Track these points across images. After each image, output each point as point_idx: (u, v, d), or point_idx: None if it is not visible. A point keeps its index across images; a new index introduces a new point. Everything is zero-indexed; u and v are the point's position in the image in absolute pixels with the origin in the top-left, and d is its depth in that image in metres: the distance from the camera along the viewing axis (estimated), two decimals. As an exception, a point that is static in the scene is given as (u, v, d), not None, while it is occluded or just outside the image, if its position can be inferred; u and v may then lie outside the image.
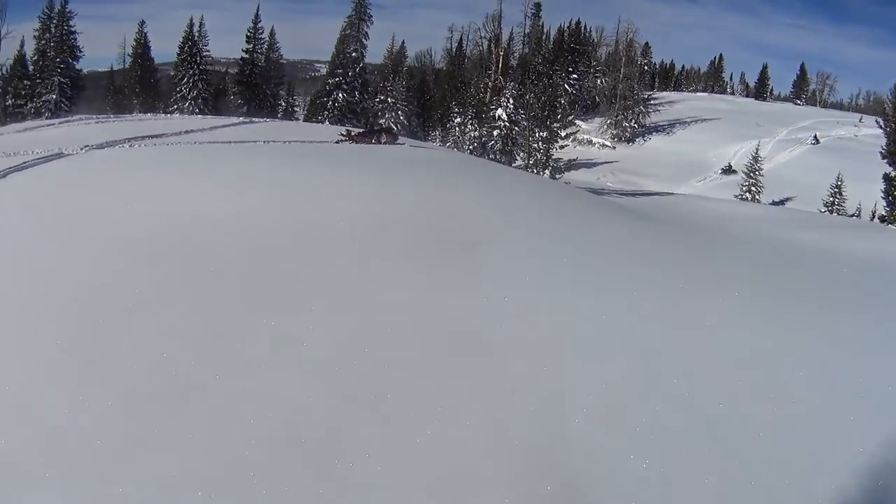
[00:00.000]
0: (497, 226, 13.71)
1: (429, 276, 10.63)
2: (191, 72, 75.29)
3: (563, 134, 53.98)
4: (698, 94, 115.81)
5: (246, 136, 24.57)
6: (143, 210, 12.13)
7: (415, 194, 14.94)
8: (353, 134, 29.03)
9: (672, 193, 43.38)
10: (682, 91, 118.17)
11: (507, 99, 68.71)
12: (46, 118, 55.11)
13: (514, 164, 59.46)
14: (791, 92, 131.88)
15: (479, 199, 15.95)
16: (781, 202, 61.17)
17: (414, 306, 9.57)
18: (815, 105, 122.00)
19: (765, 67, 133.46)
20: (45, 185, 14.09)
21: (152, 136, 23.39)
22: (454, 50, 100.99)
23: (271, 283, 9.78)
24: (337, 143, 27.18)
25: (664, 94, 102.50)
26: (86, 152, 18.32)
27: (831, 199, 59.32)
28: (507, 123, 67.27)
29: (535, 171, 49.07)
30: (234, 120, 34.98)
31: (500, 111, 67.73)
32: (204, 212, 12.23)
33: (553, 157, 53.08)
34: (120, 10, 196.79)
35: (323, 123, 50.68)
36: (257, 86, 78.14)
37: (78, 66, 75.27)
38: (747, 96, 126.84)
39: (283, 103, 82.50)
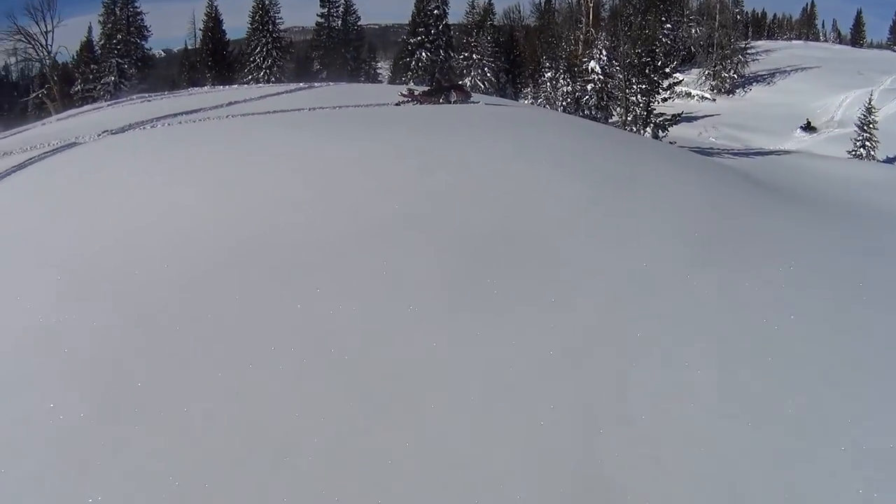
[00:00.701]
0: (587, 225, 12.14)
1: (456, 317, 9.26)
2: (263, 40, 74.16)
3: (664, 84, 49.49)
4: (793, 42, 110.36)
5: (294, 104, 23.62)
6: (90, 222, 11.53)
7: (459, 174, 13.64)
8: (416, 93, 27.40)
9: (785, 151, 43.13)
10: (777, 40, 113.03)
11: (600, 51, 65.89)
12: (106, 101, 53.79)
13: (609, 121, 56.73)
14: (889, 38, 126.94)
15: (558, 183, 14.01)
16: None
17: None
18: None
19: (859, 13, 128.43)
20: (29, 187, 14.05)
21: (189, 112, 22.99)
22: (543, 4, 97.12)
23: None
24: (398, 104, 25.43)
25: (759, 42, 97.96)
26: (101, 138, 18.35)
27: None
28: (601, 76, 64.46)
29: (634, 128, 46.38)
30: (292, 86, 33.63)
31: (592, 63, 65.26)
32: (159, 221, 11.36)
33: (654, 111, 48.54)
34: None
35: (407, 84, 47.74)
36: (335, 50, 76.54)
37: (147, 46, 76.37)
38: (841, 44, 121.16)
39: (366, 66, 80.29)
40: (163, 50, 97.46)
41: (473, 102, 28.51)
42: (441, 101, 27.72)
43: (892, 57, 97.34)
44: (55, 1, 69.39)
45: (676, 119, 50.21)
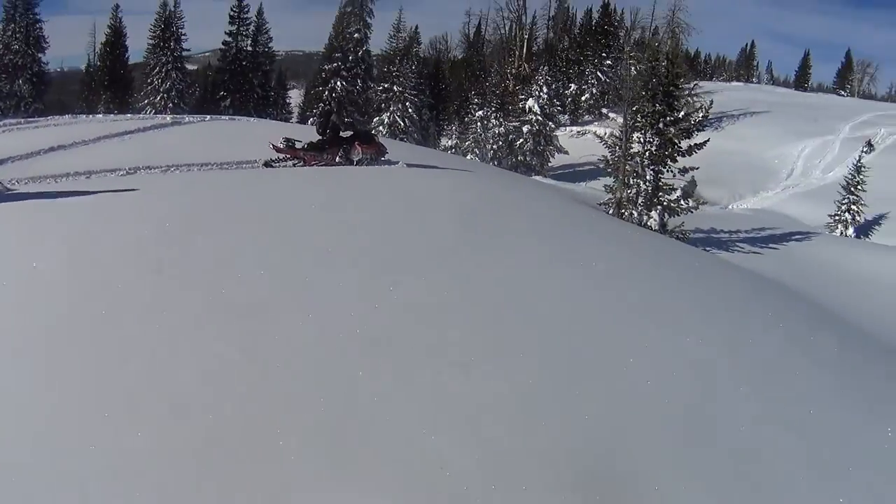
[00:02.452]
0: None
1: None
2: (163, 59, 67.67)
3: (683, 146, 32.88)
4: (732, 83, 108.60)
5: (133, 155, 18.92)
6: None
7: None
8: (297, 147, 20.40)
9: (806, 235, 38.48)
10: (715, 81, 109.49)
11: (540, 87, 59.33)
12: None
13: (546, 166, 51.47)
14: (835, 82, 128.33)
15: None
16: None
17: None
18: (853, 96, 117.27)
19: (807, 55, 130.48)
20: None
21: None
22: (472, 35, 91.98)
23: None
24: (269, 164, 19.75)
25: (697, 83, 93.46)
26: None
27: None
28: (539, 117, 57.73)
29: (633, 211, 33.11)
30: (148, 122, 28.14)
31: (531, 102, 59.88)
32: None
33: (663, 185, 33.18)
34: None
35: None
36: (242, 75, 70.02)
37: (45, 60, 69.75)
38: (777, 86, 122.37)
39: (275, 96, 73.74)
40: (63, 67, 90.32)
41: (389, 162, 21.53)
42: (338, 159, 20.90)
43: (843, 102, 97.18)
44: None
45: (690, 197, 36.79)
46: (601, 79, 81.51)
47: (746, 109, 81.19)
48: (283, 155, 19.77)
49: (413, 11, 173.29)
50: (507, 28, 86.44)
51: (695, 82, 78.52)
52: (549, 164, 63.10)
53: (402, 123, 64.38)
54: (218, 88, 69.74)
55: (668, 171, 32.64)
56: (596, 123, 78.81)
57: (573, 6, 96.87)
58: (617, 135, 34.57)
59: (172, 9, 69.04)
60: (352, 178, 18.68)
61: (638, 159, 32.96)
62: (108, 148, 20.67)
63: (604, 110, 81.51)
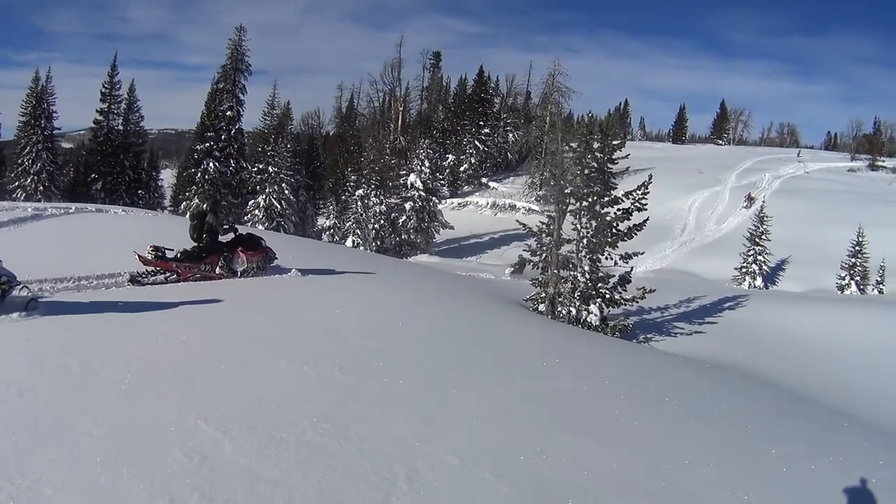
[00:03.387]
0: None
1: None
2: (34, 138, 65.14)
3: (621, 227, 28.84)
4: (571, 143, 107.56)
5: None
6: None
7: None
8: (168, 258, 17.25)
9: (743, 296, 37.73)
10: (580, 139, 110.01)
11: (421, 161, 57.94)
12: None
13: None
14: (710, 132, 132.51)
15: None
16: (778, 267, 56.25)
17: None
18: (731, 144, 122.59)
19: (682, 109, 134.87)
20: None
21: None
22: (345, 109, 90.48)
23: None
24: (134, 281, 16.30)
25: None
26: None
27: (851, 259, 53.66)
28: (422, 192, 56.83)
29: (567, 308, 28.58)
30: (14, 213, 26.25)
31: (412, 177, 58.16)
32: None
33: (607, 274, 28.79)
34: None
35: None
36: (114, 156, 67.74)
37: None
38: (652, 141, 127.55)
39: (146, 177, 69.51)
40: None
41: (279, 270, 19.51)
42: (218, 270, 18.36)
43: (723, 151, 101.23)
44: None
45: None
46: (479, 147, 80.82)
47: (629, 167, 79.95)
48: (153, 267, 16.63)
49: (284, 87, 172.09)
50: (381, 100, 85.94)
51: (575, 145, 78.45)
52: (434, 241, 62.25)
53: (278, 206, 63.11)
54: (90, 170, 66.96)
55: (606, 258, 28.70)
56: (477, 193, 78.99)
57: (446, 75, 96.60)
58: (544, 221, 29.68)
59: (44, 83, 66.72)
60: (237, 298, 15.66)
61: (574, 247, 28.90)
62: None
63: (483, 179, 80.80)
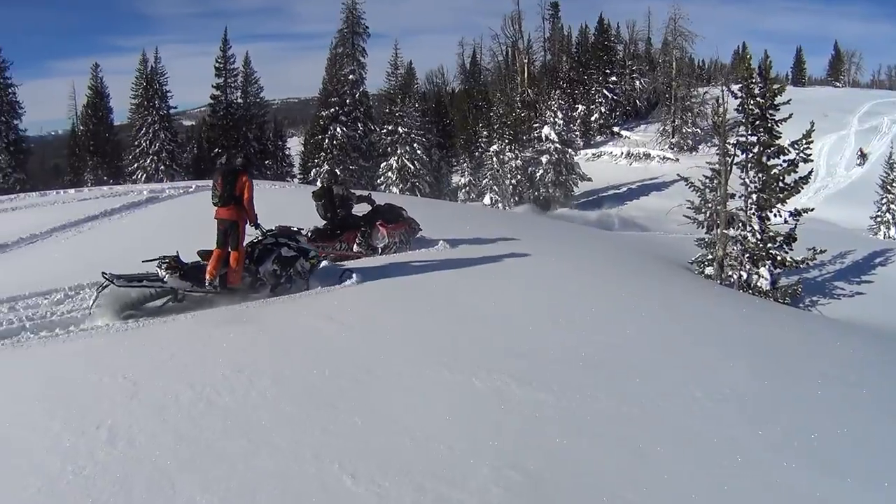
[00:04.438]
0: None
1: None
2: (149, 119, 64.64)
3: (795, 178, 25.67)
4: (734, 87, 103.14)
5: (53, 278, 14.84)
6: None
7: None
8: (305, 233, 15.56)
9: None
10: (715, 86, 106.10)
11: (554, 113, 56.60)
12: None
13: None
14: (828, 73, 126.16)
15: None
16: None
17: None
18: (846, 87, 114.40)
19: (799, 51, 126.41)
20: None
21: None
22: (468, 65, 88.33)
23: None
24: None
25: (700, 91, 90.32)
26: None
27: None
28: (557, 145, 54.40)
29: (738, 273, 25.34)
30: (129, 197, 26.45)
31: (546, 129, 54.90)
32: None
33: (770, 232, 25.34)
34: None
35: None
36: (235, 129, 66.78)
37: (22, 127, 65.02)
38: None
39: (272, 147, 70.32)
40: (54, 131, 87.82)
41: (426, 242, 17.78)
42: (356, 248, 17.04)
43: (841, 94, 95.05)
44: None
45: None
46: (608, 96, 77.94)
47: (791, 115, 76.72)
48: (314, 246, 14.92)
49: (404, 48, 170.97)
50: (504, 54, 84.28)
51: (705, 90, 75.05)
52: (573, 194, 59.89)
53: (412, 167, 61.41)
54: (212, 145, 66.23)
55: (775, 214, 25.04)
56: (610, 143, 76.96)
57: (566, 25, 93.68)
58: (707, 175, 26.38)
59: (153, 64, 66.50)
60: (379, 282, 14.19)
61: (742, 203, 25.23)
62: (39, 254, 17.89)
63: (615, 128, 78.43)
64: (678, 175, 28.44)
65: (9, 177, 59.81)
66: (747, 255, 25.13)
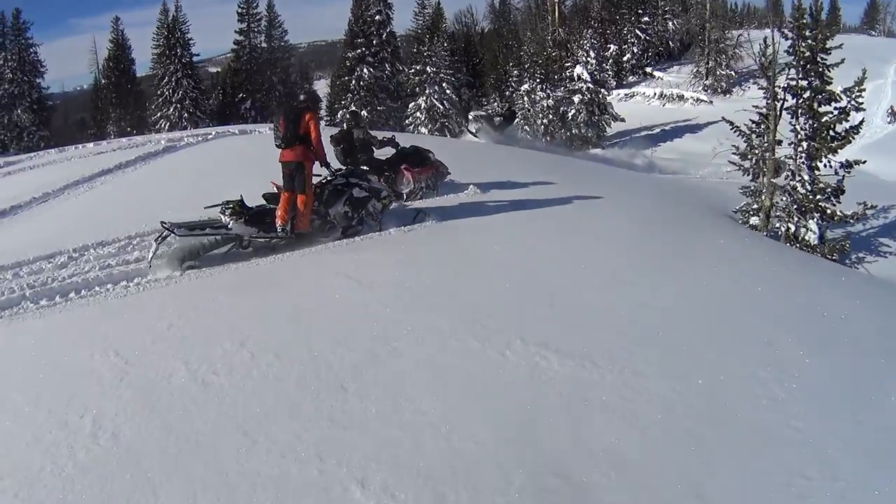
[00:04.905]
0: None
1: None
2: (171, 67, 64.36)
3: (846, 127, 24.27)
4: (766, 31, 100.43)
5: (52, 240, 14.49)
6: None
7: None
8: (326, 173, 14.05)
9: None
10: (747, 28, 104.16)
11: (586, 52, 56.58)
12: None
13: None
14: (863, 20, 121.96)
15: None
16: None
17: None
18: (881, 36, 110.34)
19: None
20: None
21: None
22: (498, 4, 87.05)
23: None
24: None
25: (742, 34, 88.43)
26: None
27: None
28: (590, 84, 55.38)
29: (788, 224, 23.82)
30: (145, 148, 25.75)
31: (579, 69, 56.07)
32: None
33: (828, 185, 23.81)
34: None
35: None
36: (259, 73, 67.22)
37: (44, 85, 67.16)
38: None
39: (298, 91, 66.20)
40: (74, 88, 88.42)
41: (455, 187, 17.09)
42: (417, 188, 16.54)
43: (877, 42, 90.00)
44: None
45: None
46: (640, 37, 76.52)
47: (843, 59, 74.59)
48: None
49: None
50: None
51: (738, 33, 73.64)
52: (605, 134, 58.52)
53: (441, 106, 59.84)
54: (237, 91, 66.40)
55: (825, 165, 23.61)
56: (643, 84, 75.23)
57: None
58: (755, 119, 24.79)
59: (175, 14, 66.17)
60: (404, 234, 13.67)
61: (792, 151, 23.66)
62: (49, 214, 17.24)
63: (647, 69, 76.80)
64: (723, 118, 26.84)
65: (33, 135, 61.14)
66: (795, 206, 23.48)
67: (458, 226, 14.17)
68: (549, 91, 55.60)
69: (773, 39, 24.77)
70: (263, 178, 14.22)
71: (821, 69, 23.58)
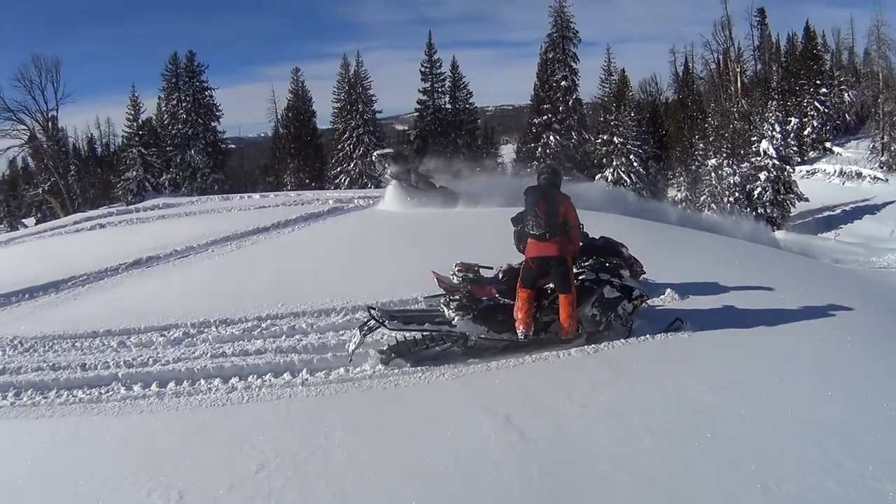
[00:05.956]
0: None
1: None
2: (352, 123, 66.13)
3: None
4: None
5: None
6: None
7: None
8: (483, 282, 11.54)
9: None
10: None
11: (772, 126, 56.90)
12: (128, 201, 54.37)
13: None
14: None
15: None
16: None
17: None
18: None
19: None
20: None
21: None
22: (681, 73, 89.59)
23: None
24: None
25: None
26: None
27: None
28: (776, 161, 55.75)
29: None
30: (311, 207, 25.98)
31: (764, 143, 56.38)
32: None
33: None
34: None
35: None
36: (444, 134, 66.90)
37: (220, 129, 69.78)
38: None
39: (484, 153, 70.96)
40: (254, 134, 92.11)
41: (650, 287, 13.12)
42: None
43: None
44: (57, 70, 65.69)
45: None
46: (819, 109, 75.92)
47: None
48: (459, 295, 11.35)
49: (614, 55, 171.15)
50: (716, 61, 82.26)
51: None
52: (789, 215, 58.36)
53: (627, 180, 60.40)
54: (413, 154, 65.58)
55: None
56: (823, 160, 74.17)
57: (774, 32, 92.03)
58: None
59: (356, 69, 67.80)
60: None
61: None
62: (184, 273, 17.26)
63: (827, 144, 76.07)
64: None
65: (206, 176, 63.60)
66: None
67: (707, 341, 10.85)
68: (735, 167, 56.13)
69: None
70: (442, 255, 13.01)
71: None
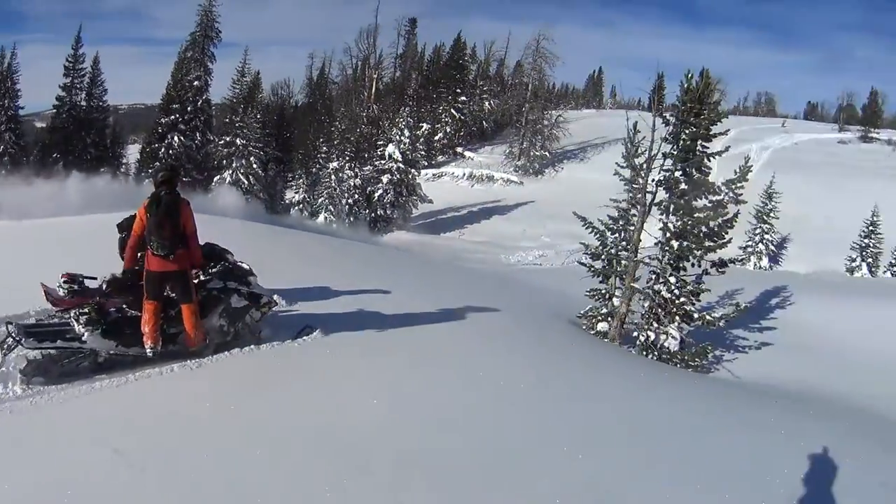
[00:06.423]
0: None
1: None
2: None
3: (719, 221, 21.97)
4: (583, 111, 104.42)
5: None
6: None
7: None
8: (87, 292, 10.86)
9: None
10: (566, 109, 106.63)
11: (401, 131, 57.88)
12: None
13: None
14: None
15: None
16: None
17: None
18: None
19: (660, 76, 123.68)
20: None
21: None
22: (315, 78, 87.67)
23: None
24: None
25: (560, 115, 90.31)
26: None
27: (865, 239, 51.04)
28: (401, 165, 56.58)
29: (647, 332, 21.19)
30: None
31: (391, 148, 55.54)
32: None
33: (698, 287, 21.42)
34: None
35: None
36: (76, 133, 64.63)
37: None
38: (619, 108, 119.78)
39: (110, 154, 68.14)
40: None
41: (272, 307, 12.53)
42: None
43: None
44: None
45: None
46: (455, 116, 78.40)
47: (606, 136, 76.97)
48: (64, 308, 10.50)
49: (255, 58, 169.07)
50: (354, 68, 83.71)
51: (557, 113, 75.92)
52: (411, 215, 60.01)
53: (245, 182, 59.79)
54: (52, 150, 63.82)
55: (693, 265, 20.95)
56: (453, 164, 77.14)
57: (422, 43, 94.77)
58: (613, 216, 22.30)
59: (9, 62, 63.70)
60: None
61: (659, 251, 21.09)
62: None
63: (458, 149, 79.54)
64: (574, 213, 23.79)
65: None
66: (658, 312, 20.94)
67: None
68: (357, 170, 56.68)
69: (653, 125, 21.04)
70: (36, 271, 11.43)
71: (700, 158, 21.05)
